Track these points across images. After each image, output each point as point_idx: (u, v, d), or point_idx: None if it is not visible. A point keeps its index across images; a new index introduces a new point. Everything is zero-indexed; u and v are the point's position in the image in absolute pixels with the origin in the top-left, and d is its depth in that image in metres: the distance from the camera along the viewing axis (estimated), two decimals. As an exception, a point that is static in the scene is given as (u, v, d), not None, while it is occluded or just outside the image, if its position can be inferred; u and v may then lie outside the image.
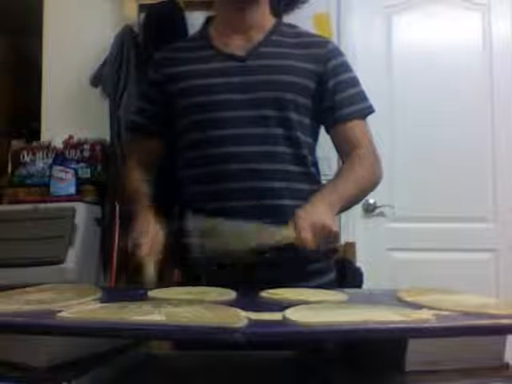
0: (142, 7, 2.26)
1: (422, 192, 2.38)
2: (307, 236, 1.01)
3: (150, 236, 1.06)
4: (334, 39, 2.23)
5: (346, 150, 1.24)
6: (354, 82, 1.27)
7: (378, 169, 1.24)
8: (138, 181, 1.26)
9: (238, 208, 1.15)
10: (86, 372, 0.68)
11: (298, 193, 1.18)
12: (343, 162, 1.26)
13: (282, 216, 1.14)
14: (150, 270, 1.02)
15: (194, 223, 1.06)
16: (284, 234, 1.03)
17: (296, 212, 1.05)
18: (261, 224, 1.07)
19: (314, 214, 1.04)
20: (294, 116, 1.20)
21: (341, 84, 1.25)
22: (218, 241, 1.03)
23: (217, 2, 1.28)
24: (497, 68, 2.45)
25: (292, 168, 1.19)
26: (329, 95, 1.24)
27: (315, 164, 1.27)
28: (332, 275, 1.26)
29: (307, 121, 1.23)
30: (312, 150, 1.27)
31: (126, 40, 2.20)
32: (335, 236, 1.07)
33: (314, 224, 1.02)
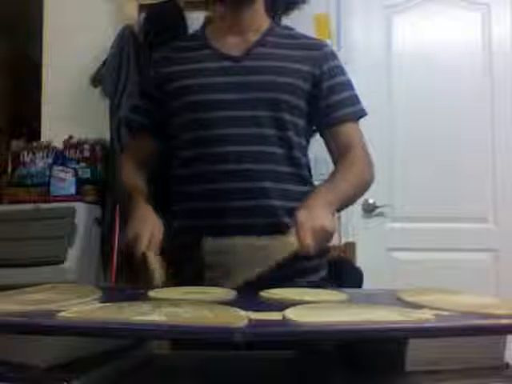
0: (142, 7, 2.26)
1: (422, 192, 2.38)
2: (310, 244, 1.01)
3: (150, 228, 1.07)
4: (334, 39, 2.23)
5: (338, 151, 1.25)
6: (348, 85, 1.29)
7: (370, 171, 1.25)
8: (135, 177, 1.27)
9: (229, 208, 1.16)
10: (86, 372, 0.67)
11: (288, 194, 1.18)
12: (335, 164, 1.27)
13: (272, 217, 1.15)
14: (155, 265, 1.01)
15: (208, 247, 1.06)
16: (288, 246, 1.02)
17: (296, 216, 1.05)
18: (261, 240, 1.06)
19: (314, 217, 1.04)
20: (287, 117, 1.20)
21: (335, 86, 1.26)
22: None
23: (213, 3, 1.28)
24: (497, 68, 2.45)
25: (284, 169, 1.20)
26: (323, 97, 1.25)
27: (307, 165, 1.28)
28: (324, 273, 1.27)
29: (301, 122, 1.24)
30: (304, 152, 1.27)
31: (126, 40, 2.20)
32: (331, 237, 1.07)
33: (314, 228, 1.02)
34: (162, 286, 0.99)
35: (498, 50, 2.46)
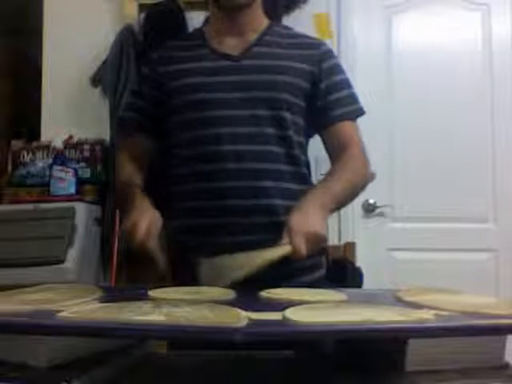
0: (141, 7, 2.26)
1: (422, 192, 2.38)
2: (302, 250, 1.00)
3: (147, 217, 1.06)
4: (334, 39, 2.23)
5: (336, 150, 1.25)
6: (347, 84, 1.29)
7: (367, 170, 1.25)
8: (131, 173, 1.26)
9: (229, 207, 1.16)
10: (86, 372, 0.67)
11: (288, 192, 1.18)
12: (332, 163, 1.26)
13: (273, 215, 1.15)
14: (156, 251, 1.01)
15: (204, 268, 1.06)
16: (280, 252, 1.01)
17: (289, 220, 1.04)
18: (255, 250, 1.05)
19: (306, 222, 1.03)
20: (287, 116, 1.20)
21: (333, 85, 1.26)
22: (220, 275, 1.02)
23: (210, 4, 1.28)
24: (497, 68, 2.45)
25: (283, 167, 1.20)
26: (321, 96, 1.25)
27: (307, 164, 1.28)
28: (322, 271, 1.27)
29: (300, 121, 1.24)
30: (304, 151, 1.27)
31: (126, 40, 2.20)
32: (325, 241, 1.07)
33: (307, 234, 1.01)
34: (166, 274, 0.99)
35: (497, 49, 2.46)
